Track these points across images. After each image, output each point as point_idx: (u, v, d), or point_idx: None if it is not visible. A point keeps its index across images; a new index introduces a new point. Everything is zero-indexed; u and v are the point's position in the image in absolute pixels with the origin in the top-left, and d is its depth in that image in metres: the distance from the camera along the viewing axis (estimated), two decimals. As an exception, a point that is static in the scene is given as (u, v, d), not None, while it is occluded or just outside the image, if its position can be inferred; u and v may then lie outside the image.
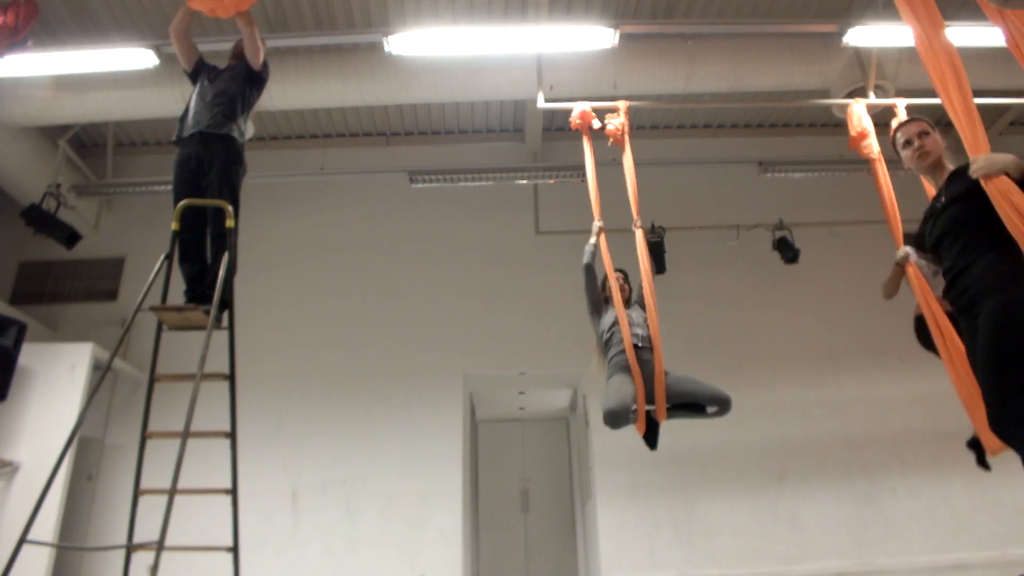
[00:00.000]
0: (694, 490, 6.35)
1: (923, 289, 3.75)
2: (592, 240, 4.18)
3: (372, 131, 7.68)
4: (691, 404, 3.75)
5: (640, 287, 4.11)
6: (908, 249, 3.90)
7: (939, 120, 4.03)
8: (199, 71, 3.94)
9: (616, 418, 3.56)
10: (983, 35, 4.63)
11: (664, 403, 3.69)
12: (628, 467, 6.32)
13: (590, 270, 4.14)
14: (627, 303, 4.11)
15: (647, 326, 3.92)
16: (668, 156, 7.30)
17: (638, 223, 4.18)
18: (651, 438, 3.86)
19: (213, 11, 3.53)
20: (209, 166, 3.57)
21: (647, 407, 3.77)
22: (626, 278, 4.24)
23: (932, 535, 6.07)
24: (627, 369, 3.73)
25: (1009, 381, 2.23)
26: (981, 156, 2.38)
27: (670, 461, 6.30)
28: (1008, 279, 2.32)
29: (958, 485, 6.31)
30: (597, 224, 4.20)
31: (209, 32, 5.68)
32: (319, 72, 5.84)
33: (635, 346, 3.79)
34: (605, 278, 4.14)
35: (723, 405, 3.67)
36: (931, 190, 2.89)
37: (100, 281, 7.21)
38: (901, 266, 3.99)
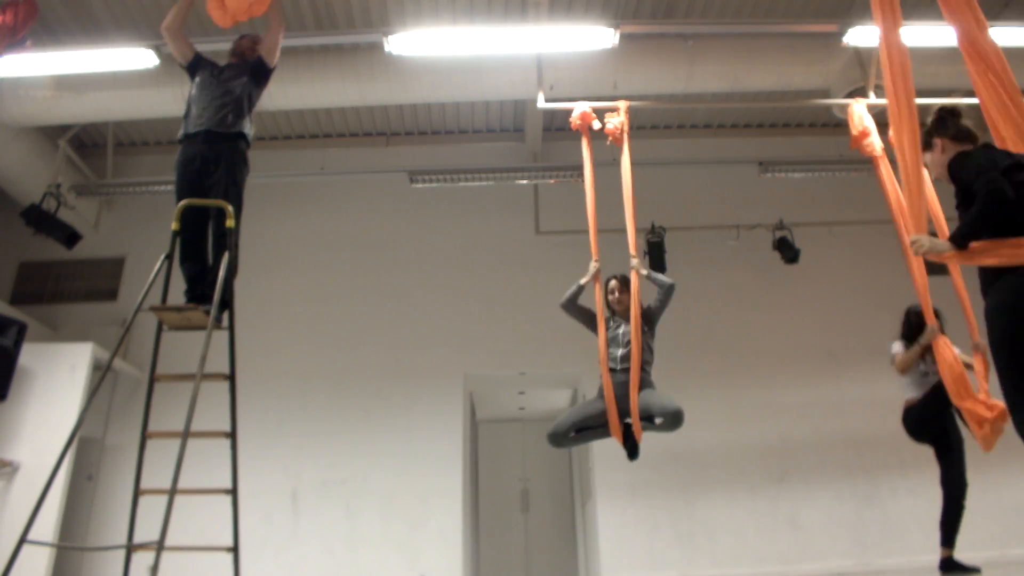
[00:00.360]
0: (694, 490, 6.35)
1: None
2: (583, 280, 4.11)
3: (372, 131, 7.69)
4: (647, 416, 3.84)
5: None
6: (935, 327, 4.04)
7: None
8: (197, 65, 3.90)
9: (554, 439, 3.91)
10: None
11: (638, 420, 3.81)
12: (628, 467, 6.25)
13: (568, 308, 4.10)
14: (628, 311, 4.06)
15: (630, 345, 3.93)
16: (668, 156, 7.31)
17: (635, 261, 4.08)
18: (630, 449, 3.95)
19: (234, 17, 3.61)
20: (214, 166, 3.56)
21: (626, 420, 3.89)
22: (625, 284, 4.15)
23: (932, 535, 6.03)
24: (601, 391, 3.93)
25: (1014, 386, 2.28)
26: (915, 239, 2.50)
27: (670, 461, 6.30)
28: (989, 280, 2.40)
29: (958, 485, 6.32)
30: (594, 265, 4.12)
31: (209, 32, 5.67)
32: (319, 72, 5.84)
33: (612, 369, 3.90)
34: (606, 290, 4.17)
35: (670, 418, 3.64)
36: None
37: (100, 281, 7.22)
38: (926, 345, 4.08)
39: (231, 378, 3.35)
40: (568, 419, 3.94)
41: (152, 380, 3.30)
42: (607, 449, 6.44)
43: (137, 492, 3.09)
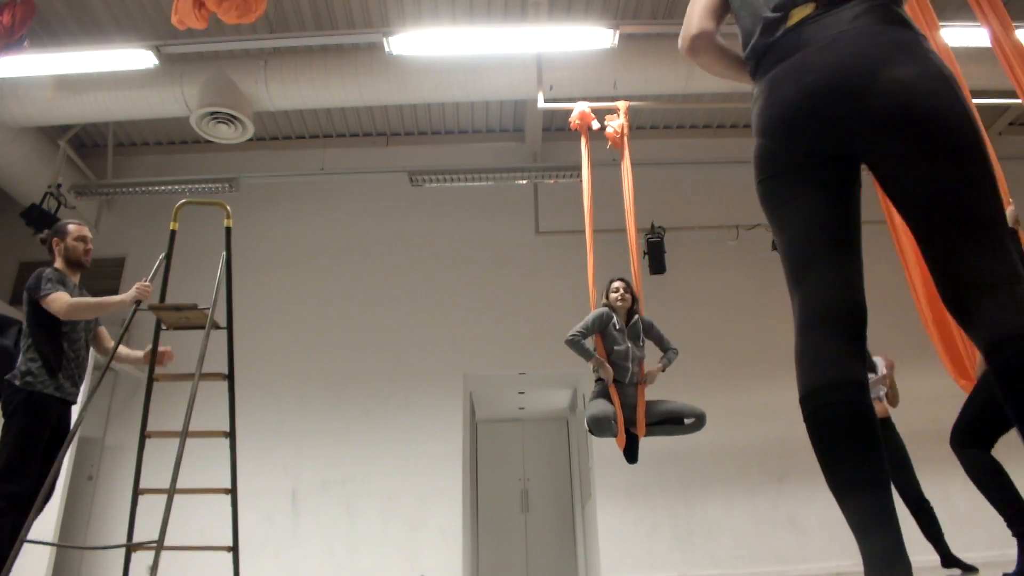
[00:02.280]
0: (694, 490, 6.35)
1: None
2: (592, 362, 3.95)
3: (372, 131, 7.69)
4: (669, 419, 3.95)
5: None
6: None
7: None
8: None
9: (599, 424, 3.81)
10: (981, 36, 4.64)
11: (644, 422, 3.89)
12: (628, 467, 6.25)
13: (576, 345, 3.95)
14: (630, 312, 4.08)
15: (638, 362, 3.99)
16: (668, 156, 7.30)
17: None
18: (631, 453, 3.98)
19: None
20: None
21: (630, 429, 3.94)
22: (628, 287, 4.11)
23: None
24: (608, 396, 3.93)
25: None
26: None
27: (670, 461, 6.30)
28: None
29: (958, 485, 6.26)
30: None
31: (211, 32, 5.68)
32: (319, 72, 5.85)
33: (620, 382, 3.93)
34: (608, 288, 4.13)
35: (700, 419, 3.88)
36: None
37: (100, 281, 7.20)
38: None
39: (230, 377, 3.35)
40: (604, 408, 3.84)
41: (151, 380, 3.30)
42: (607, 449, 6.44)
43: (136, 492, 3.09)
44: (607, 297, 4.10)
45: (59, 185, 6.34)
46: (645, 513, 6.26)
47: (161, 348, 3.32)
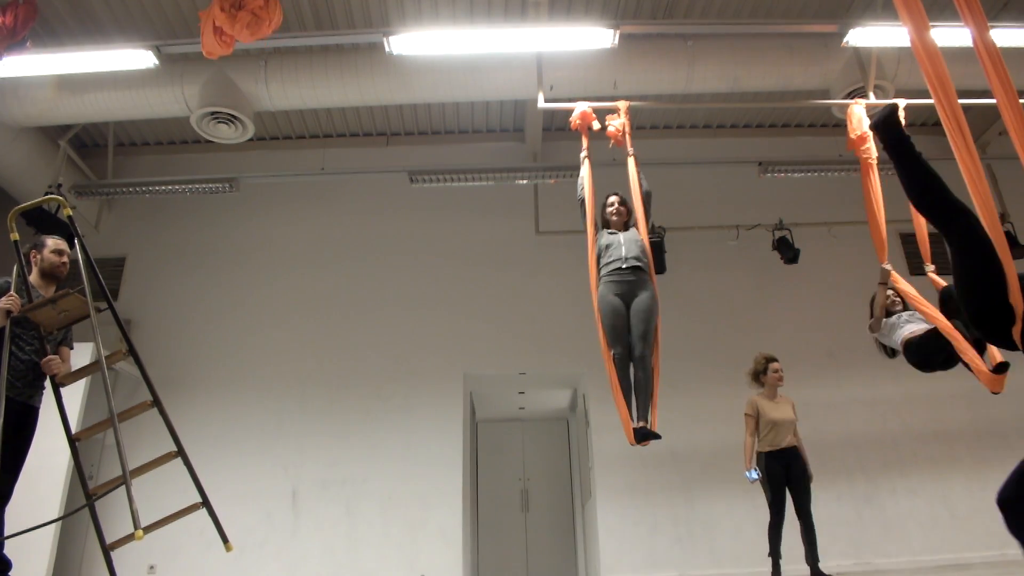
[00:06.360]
0: (694, 489, 6.35)
1: (916, 299, 3.82)
2: (582, 172, 4.26)
3: (372, 131, 7.69)
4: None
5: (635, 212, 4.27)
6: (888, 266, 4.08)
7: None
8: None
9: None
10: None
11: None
12: (628, 467, 6.31)
13: (583, 203, 4.25)
14: (625, 226, 4.23)
15: (638, 247, 4.07)
16: (668, 156, 7.30)
17: (631, 151, 4.28)
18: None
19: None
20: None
21: None
22: (623, 201, 4.32)
23: (932, 535, 6.07)
24: (610, 285, 4.01)
25: None
26: None
27: (670, 461, 6.30)
28: None
29: (958, 485, 6.31)
30: (583, 154, 4.32)
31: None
32: (319, 72, 5.85)
33: (621, 268, 4.01)
34: (604, 204, 4.30)
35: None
36: None
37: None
38: (885, 283, 4.10)
39: (132, 351, 3.37)
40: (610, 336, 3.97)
41: (55, 385, 3.33)
42: (607, 449, 6.46)
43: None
44: (603, 213, 4.28)
45: (60, 185, 6.34)
46: (645, 513, 6.26)
47: (47, 359, 3.29)
